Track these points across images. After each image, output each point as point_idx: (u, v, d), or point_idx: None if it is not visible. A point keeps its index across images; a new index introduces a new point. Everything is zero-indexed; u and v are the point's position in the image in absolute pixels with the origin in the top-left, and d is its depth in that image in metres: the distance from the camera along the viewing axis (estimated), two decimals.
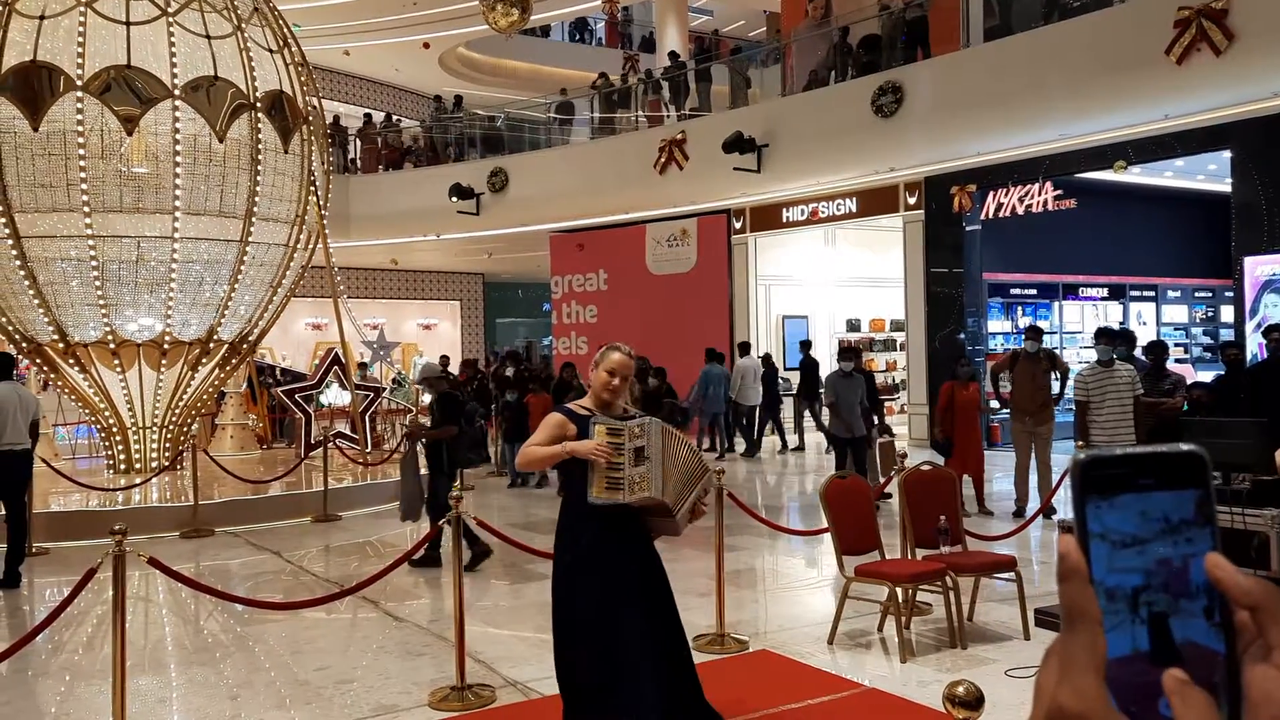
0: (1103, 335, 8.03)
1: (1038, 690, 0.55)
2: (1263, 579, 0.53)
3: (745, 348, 15.26)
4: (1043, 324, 15.15)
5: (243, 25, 11.31)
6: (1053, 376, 9.17)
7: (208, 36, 10.97)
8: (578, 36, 28.82)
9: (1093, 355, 8.65)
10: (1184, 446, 0.55)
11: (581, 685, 3.67)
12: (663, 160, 16.29)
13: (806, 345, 15.86)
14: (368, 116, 22.69)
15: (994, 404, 9.57)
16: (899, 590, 5.46)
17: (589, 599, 3.66)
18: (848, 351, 10.27)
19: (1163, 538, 0.54)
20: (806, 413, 15.65)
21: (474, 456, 8.29)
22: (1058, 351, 14.07)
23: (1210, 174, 14.90)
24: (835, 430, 9.82)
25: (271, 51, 11.73)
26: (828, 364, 18.36)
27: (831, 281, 18.17)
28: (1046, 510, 8.38)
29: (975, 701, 2.23)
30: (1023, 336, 9.88)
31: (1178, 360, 14.91)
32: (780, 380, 16.28)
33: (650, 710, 3.56)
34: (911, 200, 14.61)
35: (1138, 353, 9.35)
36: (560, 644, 3.76)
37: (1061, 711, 0.53)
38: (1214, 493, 0.55)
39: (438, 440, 7.76)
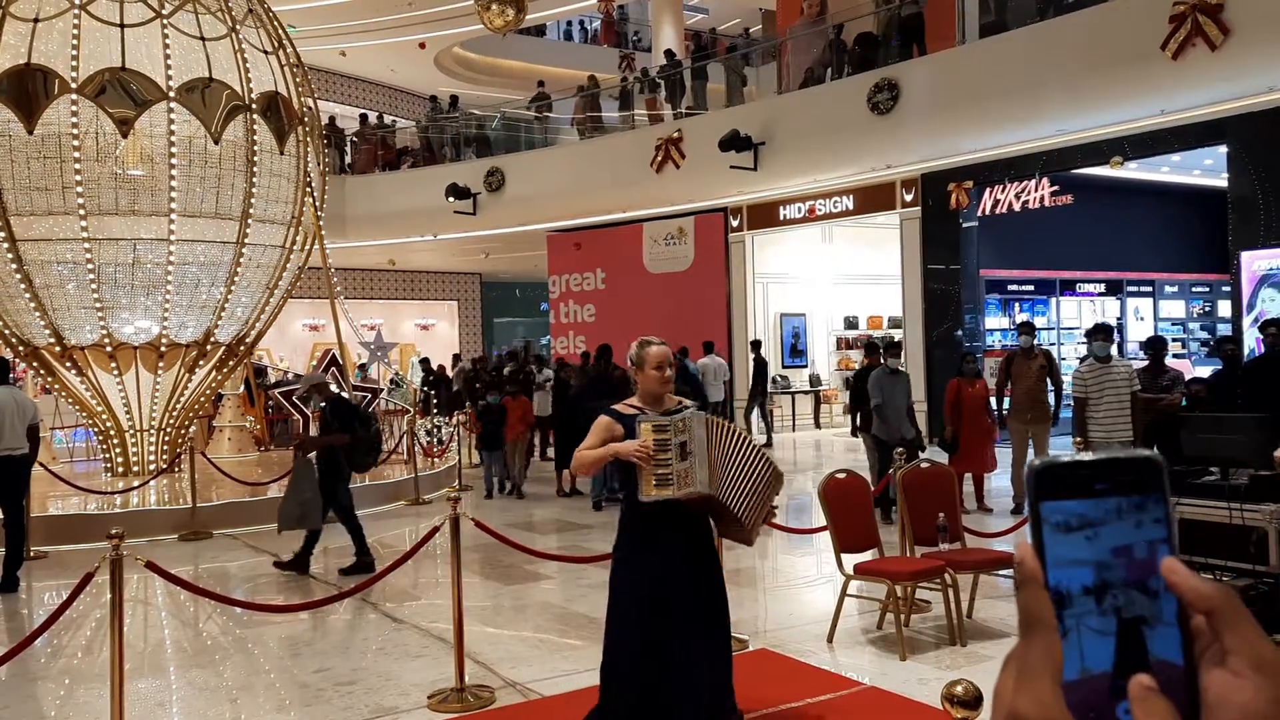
0: (1100, 331, 8.03)
1: (996, 697, 0.55)
2: (1219, 583, 0.54)
3: (709, 347, 15.19)
4: (1039, 320, 15.16)
5: (237, 27, 11.29)
6: (1048, 382, 9.16)
7: (202, 38, 10.95)
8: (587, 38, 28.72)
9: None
10: (1141, 452, 0.56)
11: (623, 676, 3.71)
12: (659, 159, 16.28)
13: (757, 345, 15.88)
14: (363, 117, 22.67)
15: (992, 401, 9.54)
16: (898, 588, 5.46)
17: (638, 594, 3.71)
18: (895, 347, 9.40)
19: (1120, 546, 0.54)
20: (757, 411, 15.71)
21: (371, 460, 8.16)
22: (1054, 348, 14.10)
23: (1206, 169, 14.90)
24: (881, 434, 8.89)
25: (266, 53, 11.72)
26: (827, 365, 18.45)
27: (829, 279, 18.17)
28: None
29: (974, 701, 2.23)
30: (1016, 333, 9.89)
31: (1175, 355, 14.92)
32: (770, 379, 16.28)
33: (688, 704, 3.61)
34: (908, 197, 14.61)
35: (1133, 348, 9.36)
36: (608, 633, 3.81)
37: (1019, 719, 0.53)
38: (1170, 498, 0.55)
39: (333, 446, 7.71)
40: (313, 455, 7.85)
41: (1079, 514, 0.54)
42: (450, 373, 19.69)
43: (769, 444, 15.26)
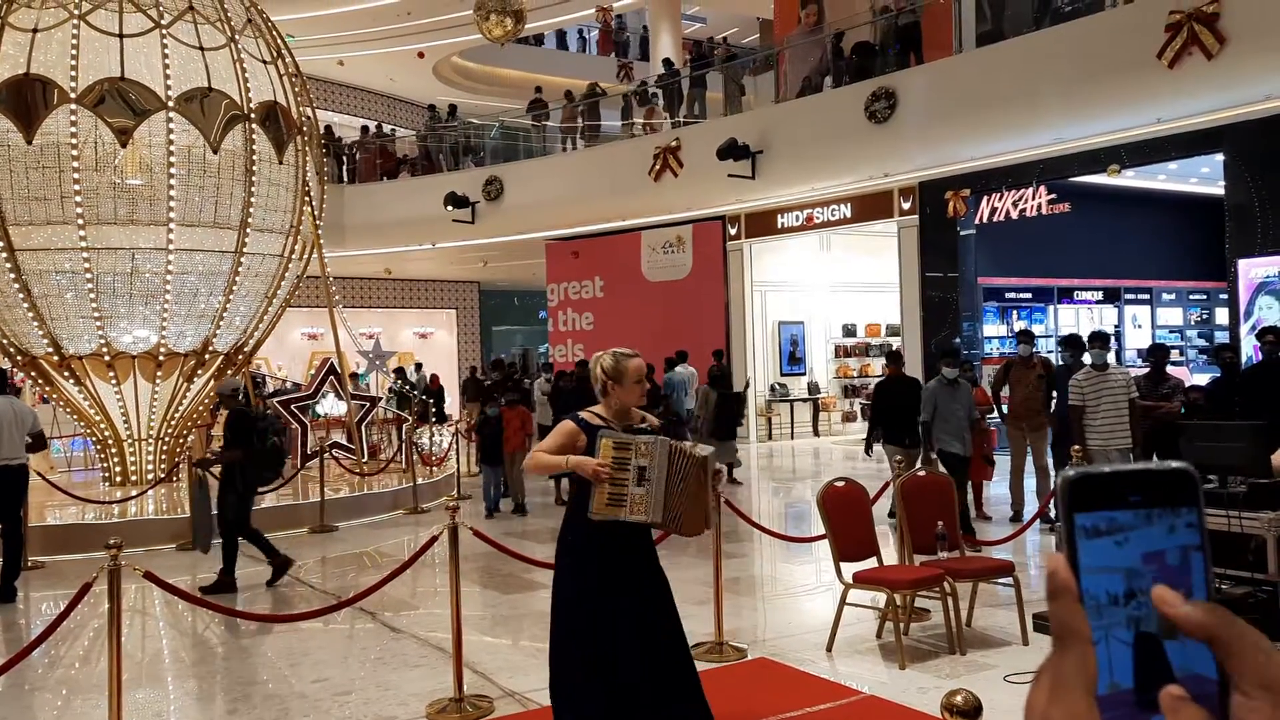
0: (1095, 339, 8.04)
1: (1028, 710, 0.55)
2: (1216, 606, 0.52)
3: (683, 356, 14.56)
4: (1037, 328, 15.18)
5: (236, 37, 11.32)
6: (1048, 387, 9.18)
7: (201, 48, 10.98)
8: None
9: (1085, 359, 8.66)
10: (1174, 464, 0.55)
11: (571, 684, 3.69)
12: (657, 167, 16.31)
13: (719, 354, 14.82)
14: (365, 129, 22.71)
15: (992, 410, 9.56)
16: (897, 596, 5.46)
17: (584, 599, 3.67)
18: (951, 354, 8.70)
19: (1151, 553, 0.54)
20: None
21: (270, 475, 8.09)
22: (1051, 355, 14.12)
23: (1203, 177, 14.95)
24: (948, 446, 8.25)
25: (265, 62, 11.74)
26: (825, 373, 18.46)
27: (827, 286, 18.20)
28: (1044, 514, 8.38)
29: (973, 710, 2.23)
30: (1015, 341, 9.90)
31: (1174, 363, 14.95)
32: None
33: (640, 710, 3.57)
34: (906, 205, 14.63)
35: (1131, 356, 9.37)
36: (554, 642, 3.77)
37: None
38: (1204, 509, 0.55)
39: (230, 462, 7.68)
40: (212, 470, 7.88)
41: (1110, 519, 0.54)
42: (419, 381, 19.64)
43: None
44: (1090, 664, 0.53)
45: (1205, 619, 0.52)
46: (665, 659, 3.70)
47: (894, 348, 11.75)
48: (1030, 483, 9.25)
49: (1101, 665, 0.53)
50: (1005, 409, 9.53)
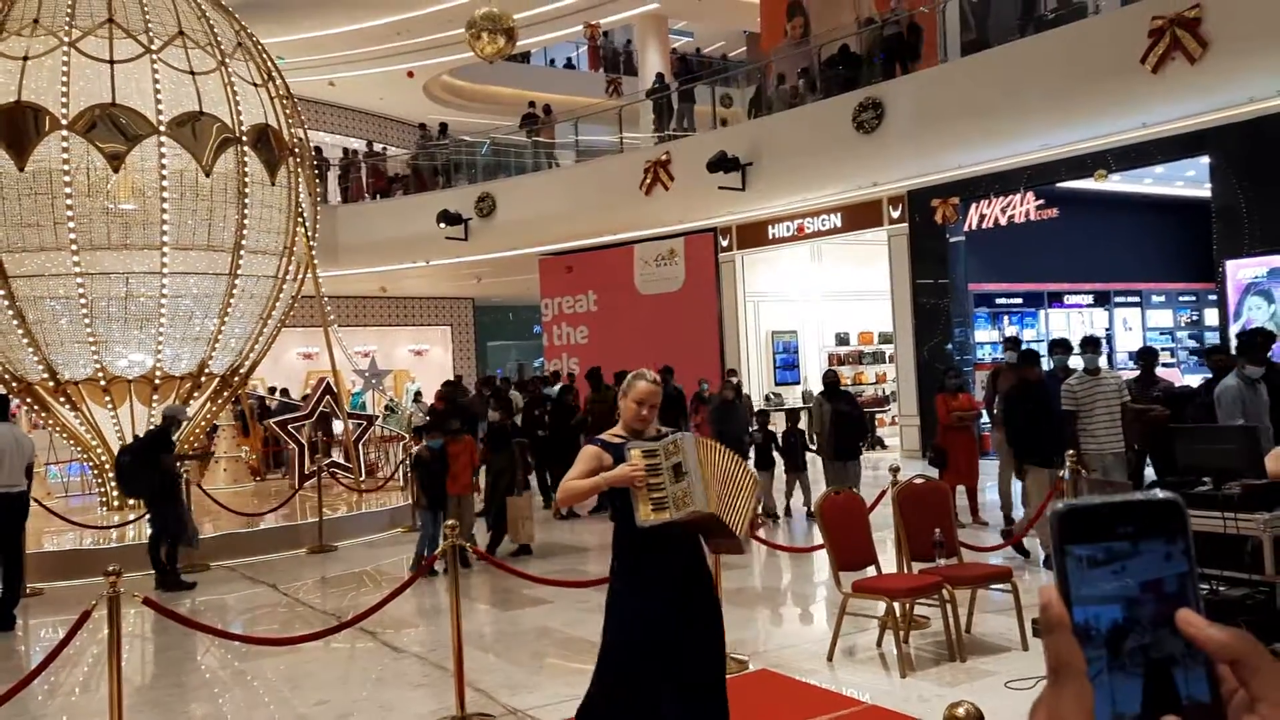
0: (1088, 344, 8.09)
1: None
2: (1238, 630, 0.53)
3: (670, 372, 13.34)
4: (1028, 333, 15.25)
5: (226, 60, 11.37)
6: None
7: (192, 72, 11.02)
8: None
9: (1072, 362, 8.72)
10: (1161, 495, 0.56)
11: (610, 709, 3.67)
12: (648, 181, 16.37)
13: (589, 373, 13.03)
14: (357, 152, 22.73)
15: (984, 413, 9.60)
16: (896, 605, 5.48)
17: (638, 627, 3.61)
18: (1256, 347, 6.69)
19: (1149, 581, 0.55)
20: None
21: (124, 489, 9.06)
22: (1044, 360, 14.18)
23: (1189, 180, 15.05)
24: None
25: (256, 85, 11.79)
26: (819, 382, 18.45)
27: (819, 296, 18.25)
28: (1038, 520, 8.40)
29: None
30: (1001, 347, 9.90)
31: (1165, 365, 15.02)
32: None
33: None
34: (895, 214, 14.71)
35: (1125, 359, 9.36)
36: (602, 666, 3.70)
37: None
38: (1192, 539, 0.56)
39: None
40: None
41: (1106, 549, 0.54)
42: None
43: None
44: (1086, 698, 0.53)
45: (1231, 641, 0.53)
46: (704, 698, 3.67)
47: (1054, 343, 9.05)
48: (1019, 485, 9.26)
49: (1104, 695, 0.53)
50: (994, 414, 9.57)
